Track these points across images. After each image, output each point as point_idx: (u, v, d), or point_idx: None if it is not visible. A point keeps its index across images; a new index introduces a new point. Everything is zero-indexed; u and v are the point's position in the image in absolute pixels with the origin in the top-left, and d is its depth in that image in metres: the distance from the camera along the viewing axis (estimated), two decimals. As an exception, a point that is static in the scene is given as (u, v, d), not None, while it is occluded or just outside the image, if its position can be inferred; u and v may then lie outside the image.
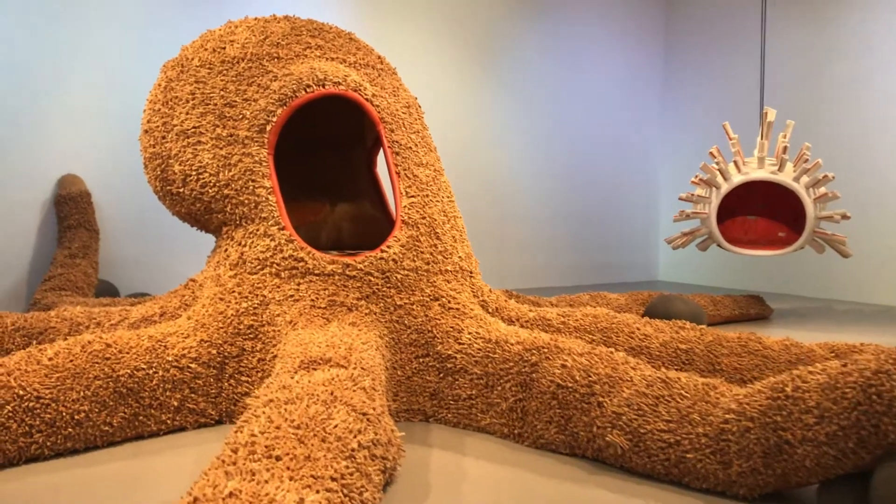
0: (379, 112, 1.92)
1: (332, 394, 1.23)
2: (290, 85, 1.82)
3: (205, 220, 1.94)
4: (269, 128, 1.83)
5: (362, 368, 1.41)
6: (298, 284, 1.77)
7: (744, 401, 1.30)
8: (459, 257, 1.96)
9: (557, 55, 5.04)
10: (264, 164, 1.82)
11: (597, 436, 1.43)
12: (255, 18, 2.03)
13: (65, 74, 3.41)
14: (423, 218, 1.89)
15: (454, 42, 4.55)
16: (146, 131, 1.96)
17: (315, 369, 1.39)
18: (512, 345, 1.65)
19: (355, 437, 1.12)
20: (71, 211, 3.44)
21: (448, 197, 2.02)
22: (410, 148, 1.95)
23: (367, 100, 1.90)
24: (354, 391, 1.29)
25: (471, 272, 2.01)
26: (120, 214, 3.64)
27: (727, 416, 1.30)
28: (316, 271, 1.77)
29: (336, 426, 1.12)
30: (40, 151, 3.40)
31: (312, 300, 1.75)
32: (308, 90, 1.83)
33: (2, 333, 1.97)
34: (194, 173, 1.86)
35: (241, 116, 1.84)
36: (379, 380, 1.44)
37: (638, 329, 2.01)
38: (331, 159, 2.49)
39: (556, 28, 5.04)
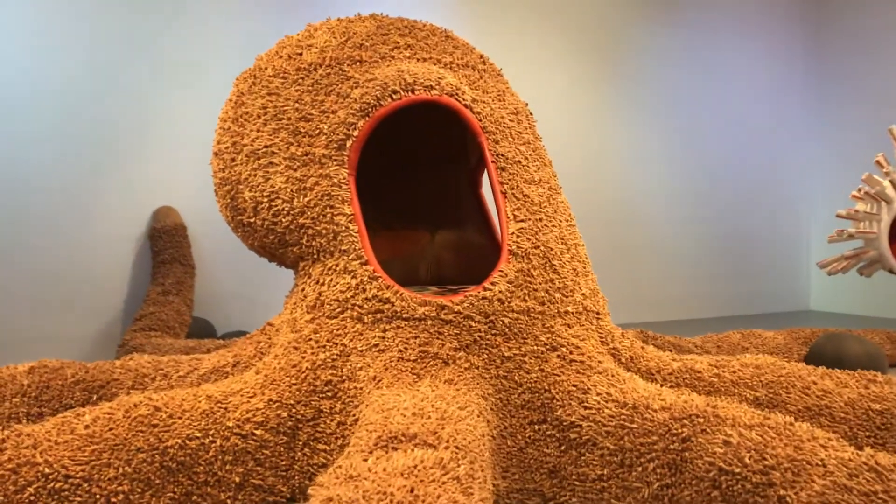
0: (480, 120, 1.62)
1: (412, 491, 0.93)
2: (374, 92, 1.55)
3: (280, 255, 1.69)
4: (349, 144, 1.56)
5: (456, 448, 1.10)
6: (384, 331, 1.48)
7: None
8: (583, 295, 1.62)
9: (691, 63, 4.61)
10: (344, 186, 1.55)
11: (781, 547, 1.06)
12: (338, 19, 1.78)
13: (161, 103, 3.32)
14: (536, 247, 1.56)
15: (576, 48, 4.22)
16: (216, 153, 1.74)
17: (395, 448, 1.09)
18: (655, 411, 1.29)
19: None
20: (165, 245, 3.32)
21: (567, 221, 1.69)
22: (519, 162, 1.63)
23: (465, 106, 1.60)
24: (444, 484, 0.97)
25: (597, 313, 1.66)
26: (217, 248, 3.50)
27: None
28: (404, 315, 1.48)
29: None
30: (135, 183, 3.32)
31: (400, 351, 1.45)
32: (394, 97, 1.55)
33: (61, 388, 1.79)
34: (266, 200, 1.61)
35: (317, 132, 1.59)
36: (480, 461, 1.12)
37: (814, 383, 1.61)
38: (429, 180, 2.21)
39: (690, 34, 4.62)
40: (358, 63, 1.63)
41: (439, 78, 1.58)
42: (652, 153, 4.47)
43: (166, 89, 3.33)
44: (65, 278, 3.18)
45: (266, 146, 1.61)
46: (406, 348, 1.45)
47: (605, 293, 4.07)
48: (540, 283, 1.54)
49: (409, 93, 1.56)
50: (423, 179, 2.21)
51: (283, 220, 1.60)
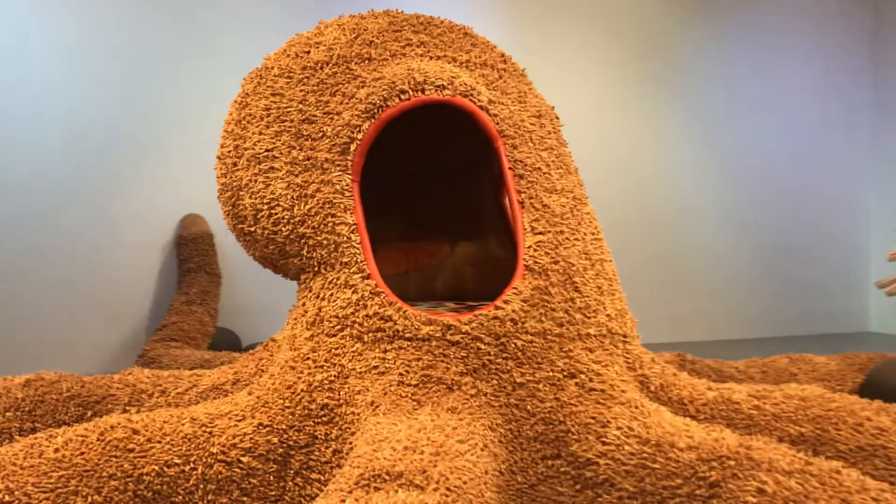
0: (498, 123, 1.49)
1: (384, 545, 0.80)
2: (380, 92, 1.44)
3: (282, 266, 1.59)
4: (353, 147, 1.45)
5: (448, 490, 0.97)
6: (385, 352, 1.36)
7: None
8: (608, 315, 1.48)
9: (736, 63, 4.41)
10: (347, 193, 1.44)
11: None
12: (351, 16, 1.68)
13: (190, 109, 3.28)
14: (556, 262, 1.43)
15: (612, 54, 4.07)
16: (218, 157, 1.65)
17: (378, 489, 0.97)
18: (681, 450, 1.15)
19: None
20: (191, 253, 3.27)
21: (593, 234, 1.55)
22: (539, 169, 1.50)
23: (481, 108, 1.48)
24: (425, 536, 0.85)
25: (624, 336, 1.51)
26: (245, 257, 3.41)
27: None
28: (407, 335, 1.36)
29: None
30: (162, 190, 3.27)
31: (401, 374, 1.33)
32: (402, 97, 1.44)
33: (55, 402, 1.71)
34: (266, 207, 1.51)
35: (320, 134, 1.48)
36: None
37: (868, 419, 1.44)
38: (450, 188, 2.09)
39: (735, 32, 4.42)
40: (367, 61, 1.53)
41: (452, 77, 1.46)
42: (692, 159, 4.28)
43: (196, 94, 3.28)
44: (90, 286, 3.15)
45: (268, 150, 1.52)
46: (407, 371, 1.33)
47: (642, 310, 3.89)
48: (559, 303, 1.40)
49: (419, 93, 1.44)
50: (443, 187, 2.10)
51: (283, 229, 1.50)
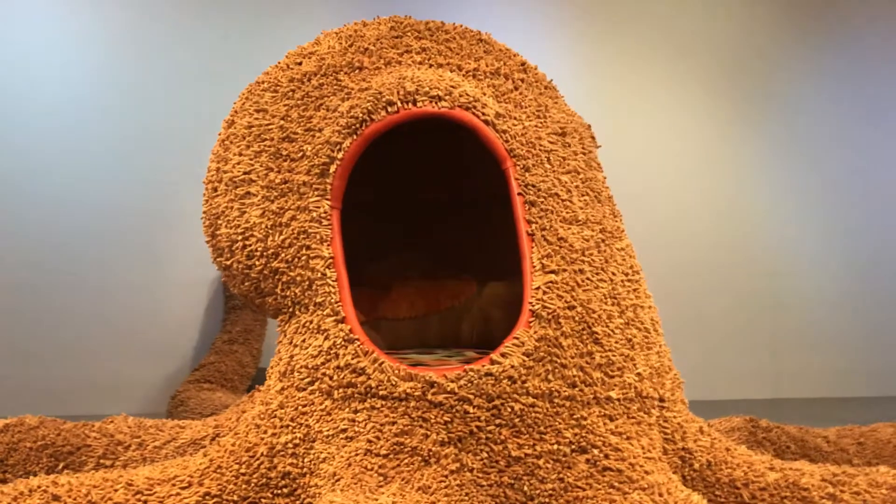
0: (507, 141, 1.27)
1: None
2: (364, 104, 1.24)
3: (261, 305, 1.40)
4: (332, 169, 1.25)
5: None
6: (355, 412, 1.14)
7: None
8: (638, 375, 1.21)
9: (851, 94, 4.01)
10: (325, 222, 1.24)
11: None
12: (354, 23, 1.50)
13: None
14: (571, 308, 1.18)
15: (707, 84, 3.76)
16: (204, 183, 1.49)
17: None
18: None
19: None
20: (236, 290, 3.14)
21: (626, 275, 1.30)
22: (557, 195, 1.26)
23: (486, 122, 1.26)
24: None
25: (661, 400, 1.24)
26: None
27: None
28: (381, 392, 1.13)
29: None
30: (210, 224, 3.17)
31: (369, 441, 1.10)
32: (390, 110, 1.23)
33: (28, 452, 1.57)
34: (240, 238, 1.33)
35: (300, 154, 1.30)
36: None
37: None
38: (479, 220, 1.86)
39: (848, 59, 4.03)
40: (357, 70, 1.34)
41: (451, 87, 1.25)
42: (798, 198, 3.89)
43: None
44: (136, 324, 3.07)
45: (245, 172, 1.34)
46: (378, 438, 1.10)
47: (739, 364, 3.50)
48: (571, 357, 1.15)
49: (410, 104, 1.23)
50: (472, 220, 1.87)
51: (257, 263, 1.31)
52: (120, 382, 3.05)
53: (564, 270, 1.21)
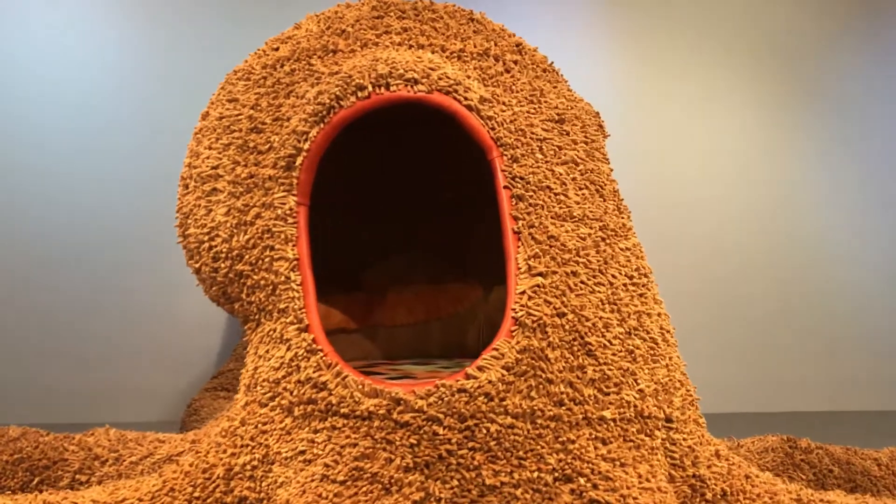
0: (493, 128, 1.14)
1: None
2: (332, 90, 1.13)
3: (231, 313, 1.30)
4: (299, 161, 1.14)
5: None
6: (315, 432, 1.03)
7: None
8: (639, 392, 1.07)
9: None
10: (290, 220, 1.13)
11: None
12: (338, 4, 1.39)
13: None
14: (561, 315, 1.05)
15: (758, 72, 3.55)
16: (179, 180, 1.40)
17: None
18: None
19: None
20: (257, 295, 3.07)
21: (629, 278, 1.16)
22: (549, 188, 1.13)
23: (469, 108, 1.13)
24: None
25: (667, 420, 1.10)
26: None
27: None
28: (343, 409, 1.02)
29: None
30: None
31: (326, 465, 0.99)
32: (360, 95, 1.12)
33: (4, 465, 1.51)
34: (206, 239, 1.23)
35: (267, 146, 1.19)
36: None
37: None
38: (486, 222, 1.74)
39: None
40: (331, 53, 1.23)
41: (429, 69, 1.13)
42: (857, 200, 3.65)
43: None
44: (158, 328, 3.02)
45: (213, 167, 1.24)
46: (336, 462, 0.99)
47: (791, 372, 3.26)
48: (559, 372, 1.02)
49: (382, 89, 1.12)
50: (478, 221, 1.74)
51: (222, 265, 1.21)
52: (140, 390, 3.00)
53: (554, 273, 1.08)
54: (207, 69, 2.99)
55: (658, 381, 1.12)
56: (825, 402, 3.47)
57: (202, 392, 2.71)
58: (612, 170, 1.31)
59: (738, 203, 3.45)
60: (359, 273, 1.72)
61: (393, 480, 0.96)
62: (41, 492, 1.13)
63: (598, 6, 3.44)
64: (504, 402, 0.99)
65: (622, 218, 1.24)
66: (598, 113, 1.39)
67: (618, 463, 1.00)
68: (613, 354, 1.07)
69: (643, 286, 1.19)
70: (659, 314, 1.21)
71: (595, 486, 0.96)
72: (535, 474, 0.96)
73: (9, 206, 2.89)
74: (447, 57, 1.22)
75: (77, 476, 1.50)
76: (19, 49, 2.93)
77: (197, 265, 1.28)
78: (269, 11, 3.15)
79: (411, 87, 1.13)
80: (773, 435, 1.66)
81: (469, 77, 1.18)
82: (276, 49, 1.32)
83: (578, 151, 1.22)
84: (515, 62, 1.27)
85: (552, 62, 1.36)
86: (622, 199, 1.28)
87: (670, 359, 1.17)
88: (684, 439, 1.12)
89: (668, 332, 1.21)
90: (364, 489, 0.96)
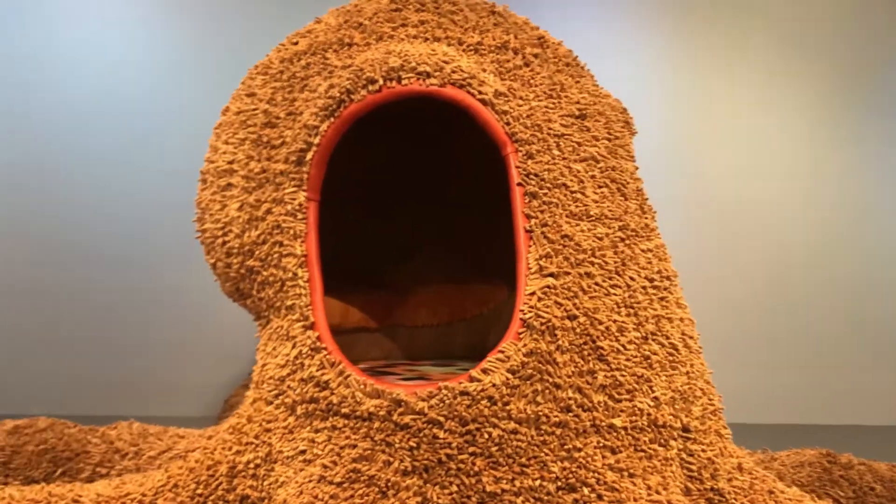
0: (508, 123, 1.11)
1: None
2: (343, 83, 1.11)
3: (245, 309, 1.29)
4: (309, 156, 1.13)
5: None
6: (316, 431, 1.02)
7: None
8: (654, 399, 1.02)
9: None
10: (300, 215, 1.12)
11: None
12: None
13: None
14: (572, 318, 1.01)
15: (821, 70, 3.43)
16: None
17: None
18: None
19: None
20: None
21: (649, 281, 1.11)
22: (564, 186, 1.10)
23: (483, 102, 1.10)
24: None
25: (684, 429, 1.05)
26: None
27: None
28: (343, 409, 1.00)
29: None
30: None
31: (325, 466, 0.97)
32: (371, 88, 1.10)
33: (31, 455, 1.53)
34: (220, 234, 1.23)
35: (280, 141, 1.18)
36: None
37: None
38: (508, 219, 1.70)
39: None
40: (346, 47, 1.21)
41: (443, 62, 1.10)
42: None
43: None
44: (200, 325, 3.05)
45: (229, 162, 1.24)
46: (335, 463, 0.97)
47: (832, 379, 3.12)
48: (567, 377, 0.98)
49: (394, 82, 1.09)
50: (501, 220, 1.71)
51: (235, 261, 1.20)
52: (185, 383, 3.04)
53: (567, 273, 1.04)
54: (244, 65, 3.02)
55: (676, 389, 1.07)
56: (874, 415, 3.33)
57: (239, 389, 2.73)
58: (637, 168, 1.26)
59: (789, 206, 3.33)
60: (379, 272, 1.70)
61: (390, 484, 0.94)
62: (62, 483, 1.14)
63: (649, 5, 3.37)
64: (508, 407, 0.96)
65: (645, 218, 1.19)
66: (625, 109, 1.34)
67: (626, 473, 0.96)
68: (627, 360, 1.03)
69: (665, 289, 1.15)
70: (681, 319, 1.16)
71: (599, 497, 0.92)
72: (538, 482, 0.93)
73: (49, 199, 2.96)
74: (464, 50, 1.19)
75: (97, 469, 1.52)
76: (64, 48, 3.00)
77: (212, 260, 1.28)
78: (315, 5, 3.16)
79: (423, 80, 1.10)
80: (812, 448, 1.59)
81: (485, 70, 1.15)
82: (296, 43, 1.31)
83: (599, 148, 1.18)
84: (536, 56, 1.23)
85: (577, 56, 1.32)
86: (647, 199, 1.23)
87: (692, 366, 1.12)
88: (703, 450, 1.07)
89: (690, 337, 1.16)
90: (360, 492, 0.94)
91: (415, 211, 1.75)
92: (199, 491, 1.07)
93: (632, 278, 1.10)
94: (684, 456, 1.05)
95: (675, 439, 1.04)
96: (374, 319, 1.56)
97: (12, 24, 2.98)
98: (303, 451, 1.01)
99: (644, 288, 1.11)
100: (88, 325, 2.95)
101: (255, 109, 1.25)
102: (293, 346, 1.08)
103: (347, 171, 1.59)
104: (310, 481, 0.97)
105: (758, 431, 2.75)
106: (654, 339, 1.08)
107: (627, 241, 1.13)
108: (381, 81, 1.10)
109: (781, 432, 2.77)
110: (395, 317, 1.60)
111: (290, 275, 1.11)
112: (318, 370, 1.04)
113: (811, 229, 3.34)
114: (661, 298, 1.13)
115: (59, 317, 2.94)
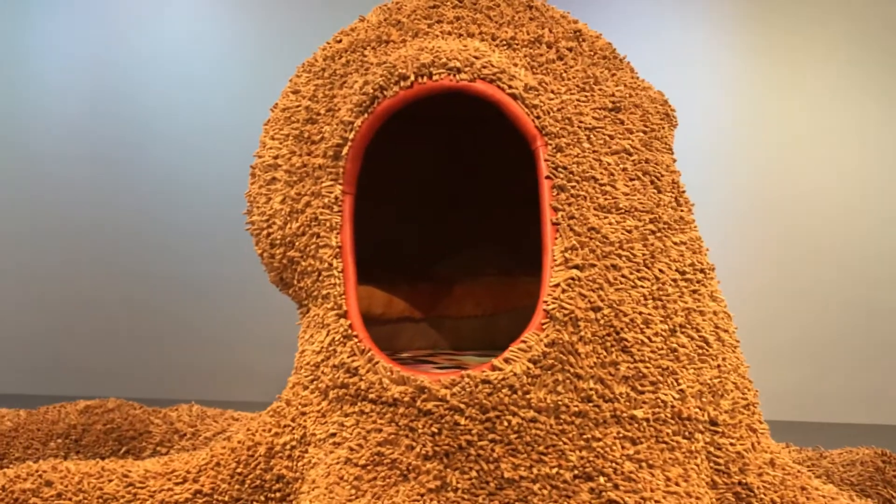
0: (538, 117, 1.13)
1: None
2: (376, 80, 1.15)
3: (289, 297, 1.35)
4: (345, 151, 1.17)
5: None
6: (345, 416, 1.06)
7: None
8: (679, 392, 1.03)
9: None
10: (336, 208, 1.17)
11: None
12: (404, -4, 1.41)
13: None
14: (596, 310, 1.03)
15: (882, 65, 3.30)
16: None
17: None
18: None
19: None
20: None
21: (680, 273, 1.12)
22: (594, 179, 1.11)
23: (513, 96, 1.13)
24: None
25: (711, 423, 1.06)
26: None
27: None
28: (371, 395, 1.04)
29: None
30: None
31: (351, 449, 1.02)
32: (403, 84, 1.13)
33: (98, 434, 1.64)
34: (265, 226, 1.29)
35: (319, 136, 1.23)
36: None
37: None
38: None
39: None
40: (384, 44, 1.25)
41: (473, 57, 1.13)
42: None
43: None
44: (253, 313, 3.17)
45: (274, 157, 1.30)
46: (360, 446, 1.02)
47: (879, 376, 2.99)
48: (589, 367, 1.00)
49: (425, 78, 1.13)
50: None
51: (277, 252, 1.26)
52: (239, 371, 3.16)
53: (592, 266, 1.05)
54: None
55: (704, 383, 1.07)
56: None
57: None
58: (674, 160, 1.26)
59: (857, 205, 3.21)
60: (427, 265, 1.74)
61: (411, 467, 0.97)
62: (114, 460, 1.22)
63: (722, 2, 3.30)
64: (528, 396, 0.98)
65: (680, 210, 1.19)
66: (666, 101, 1.34)
67: (645, 464, 0.97)
68: (652, 352, 1.04)
69: (697, 282, 1.14)
70: (715, 312, 1.15)
71: (616, 487, 0.94)
72: (555, 470, 0.95)
73: (124, 195, 3.11)
74: (497, 45, 1.21)
75: (158, 448, 1.61)
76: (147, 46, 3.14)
77: (259, 251, 1.34)
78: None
79: (454, 75, 1.13)
80: (867, 447, 1.55)
81: (516, 65, 1.17)
82: (339, 41, 1.35)
83: (633, 141, 1.18)
84: (570, 49, 1.24)
85: (615, 49, 1.32)
86: (683, 191, 1.23)
87: (724, 359, 1.12)
88: (732, 444, 1.07)
89: (725, 331, 1.16)
90: (383, 474, 0.98)
91: (461, 206, 1.78)
92: (238, 470, 1.14)
93: (661, 271, 1.10)
94: (711, 449, 1.05)
95: (700, 432, 1.05)
96: (420, 310, 1.60)
97: (95, 29, 3.15)
98: (333, 434, 1.06)
99: (674, 280, 1.11)
100: (157, 315, 3.11)
101: (298, 106, 1.30)
102: (327, 334, 1.13)
103: (393, 166, 1.63)
104: (337, 463, 1.02)
105: (814, 429, 2.67)
106: (682, 332, 1.08)
107: (658, 234, 1.13)
108: (412, 77, 1.13)
109: (858, 432, 2.69)
110: (440, 308, 1.64)
111: (326, 265, 1.16)
112: (348, 357, 1.08)
113: (871, 230, 3.20)
114: (693, 291, 1.13)
115: (132, 307, 3.10)
